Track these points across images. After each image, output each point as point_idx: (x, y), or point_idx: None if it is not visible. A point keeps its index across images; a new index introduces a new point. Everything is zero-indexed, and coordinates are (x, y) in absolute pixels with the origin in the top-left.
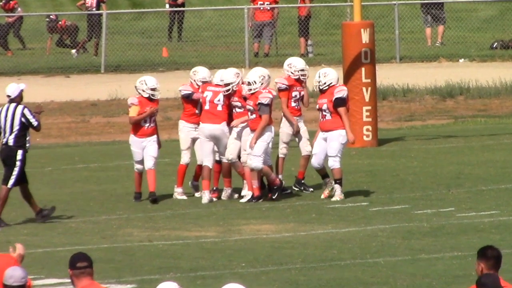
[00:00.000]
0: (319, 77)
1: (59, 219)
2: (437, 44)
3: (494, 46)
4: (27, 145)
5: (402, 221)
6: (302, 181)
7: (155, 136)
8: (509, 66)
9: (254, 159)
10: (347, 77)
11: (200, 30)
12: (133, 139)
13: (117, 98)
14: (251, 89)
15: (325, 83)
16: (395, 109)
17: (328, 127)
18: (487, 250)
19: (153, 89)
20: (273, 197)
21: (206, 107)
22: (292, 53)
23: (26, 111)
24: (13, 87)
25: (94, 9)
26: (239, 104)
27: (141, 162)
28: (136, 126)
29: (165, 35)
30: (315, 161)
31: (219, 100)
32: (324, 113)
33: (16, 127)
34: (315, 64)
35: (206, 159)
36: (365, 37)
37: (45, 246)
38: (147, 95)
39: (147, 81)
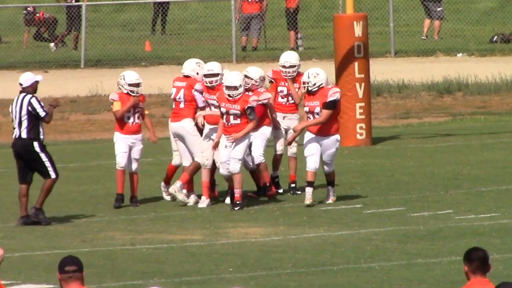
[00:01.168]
0: (309, 77)
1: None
2: (435, 39)
3: (494, 39)
4: (41, 137)
5: (398, 224)
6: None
7: (141, 135)
8: (509, 60)
9: (233, 162)
10: (339, 72)
11: (185, 23)
12: (118, 136)
13: (97, 94)
14: (233, 95)
15: (314, 84)
16: (390, 106)
17: (322, 131)
18: (471, 252)
19: (132, 85)
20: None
21: (173, 105)
22: (282, 47)
23: (34, 100)
24: (26, 76)
25: (73, 0)
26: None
27: (125, 154)
28: (121, 123)
29: (148, 28)
30: (313, 165)
31: (179, 98)
32: (316, 116)
33: (24, 118)
34: (306, 59)
35: (183, 158)
36: (358, 30)
37: (22, 250)
38: (126, 91)
39: (126, 76)
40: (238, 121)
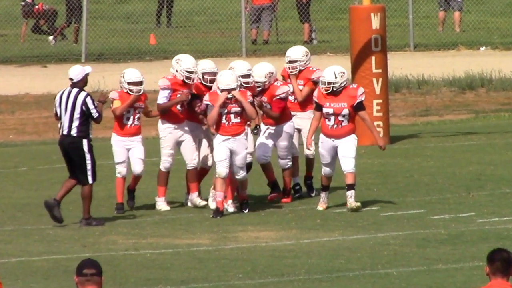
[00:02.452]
0: (336, 77)
1: (35, 225)
2: (456, 32)
3: None
4: (90, 135)
5: (417, 228)
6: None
7: (139, 137)
8: None
9: (241, 171)
10: (356, 67)
11: (191, 15)
12: (115, 138)
13: (99, 91)
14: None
15: (341, 84)
16: (409, 102)
17: (344, 134)
18: (494, 252)
19: (131, 83)
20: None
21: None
22: (295, 40)
23: (88, 100)
24: (76, 69)
25: None
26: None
27: (124, 164)
28: (119, 123)
29: (152, 20)
30: (330, 170)
31: None
32: (341, 118)
33: (77, 116)
34: (320, 53)
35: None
36: (375, 22)
37: (19, 255)
38: (126, 90)
39: (125, 74)
40: (238, 119)
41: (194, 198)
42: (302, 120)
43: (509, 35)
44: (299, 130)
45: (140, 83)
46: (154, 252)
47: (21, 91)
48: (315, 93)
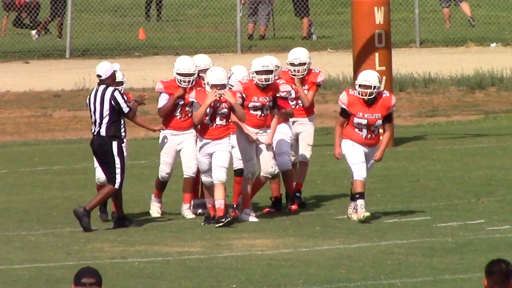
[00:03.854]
0: (379, 81)
1: (16, 231)
2: (472, 23)
3: None
4: (123, 135)
5: (423, 236)
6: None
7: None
8: None
9: (222, 171)
10: (358, 64)
11: (183, 8)
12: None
13: (84, 88)
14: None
15: (379, 89)
16: (415, 102)
17: (376, 143)
18: (492, 263)
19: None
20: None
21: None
22: (292, 35)
23: (117, 94)
24: (104, 66)
25: None
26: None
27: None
28: None
29: (141, 13)
30: (363, 173)
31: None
32: (373, 129)
33: (106, 113)
34: (320, 49)
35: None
36: (379, 16)
37: None
38: None
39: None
40: (224, 122)
41: (184, 209)
42: (303, 126)
43: None
44: (296, 136)
45: (120, 83)
46: (143, 261)
47: (2, 88)
48: (344, 99)
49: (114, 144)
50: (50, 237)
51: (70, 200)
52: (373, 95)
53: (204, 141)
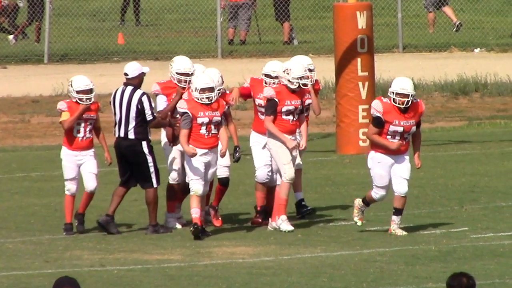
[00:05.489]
0: (413, 88)
1: None
2: (457, 24)
3: None
4: (150, 137)
5: (405, 244)
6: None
7: (92, 150)
8: None
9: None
10: (340, 69)
11: (162, 12)
12: (65, 152)
13: (63, 94)
14: (211, 98)
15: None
16: None
17: (404, 151)
18: (452, 278)
19: (80, 92)
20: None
21: None
22: (274, 40)
23: (145, 99)
24: (133, 65)
25: None
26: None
27: (75, 181)
28: (69, 136)
29: (119, 18)
30: (386, 195)
31: None
32: (406, 136)
33: (132, 116)
34: (301, 54)
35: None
36: (361, 21)
37: None
38: (75, 99)
39: (73, 82)
40: (216, 130)
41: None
42: (298, 134)
43: (505, 36)
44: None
45: (90, 91)
46: (122, 269)
47: None
48: (379, 107)
49: (144, 144)
50: (28, 245)
51: (48, 207)
52: (410, 103)
53: (202, 151)
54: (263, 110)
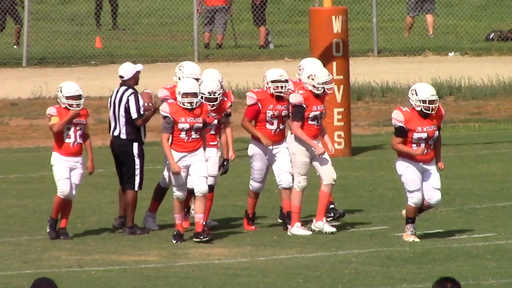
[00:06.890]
0: (435, 93)
1: None
2: (430, 36)
3: (491, 37)
4: (143, 137)
5: (380, 245)
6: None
7: (81, 158)
8: (507, 61)
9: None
10: None
11: (139, 16)
12: (57, 158)
13: (41, 97)
14: (193, 103)
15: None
16: (372, 111)
17: (432, 158)
18: (438, 282)
19: (70, 97)
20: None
21: None
22: (250, 44)
23: (132, 98)
24: (127, 66)
25: None
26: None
27: (68, 180)
28: (59, 142)
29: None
30: (419, 202)
31: None
32: (430, 142)
33: (122, 114)
34: (277, 58)
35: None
36: (336, 25)
37: None
38: (64, 105)
39: (63, 88)
40: (197, 135)
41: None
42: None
43: (479, 40)
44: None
45: (79, 97)
46: (100, 269)
47: None
48: (399, 117)
49: (135, 145)
50: (7, 246)
51: (27, 209)
52: (431, 109)
53: (180, 154)
54: (273, 120)
